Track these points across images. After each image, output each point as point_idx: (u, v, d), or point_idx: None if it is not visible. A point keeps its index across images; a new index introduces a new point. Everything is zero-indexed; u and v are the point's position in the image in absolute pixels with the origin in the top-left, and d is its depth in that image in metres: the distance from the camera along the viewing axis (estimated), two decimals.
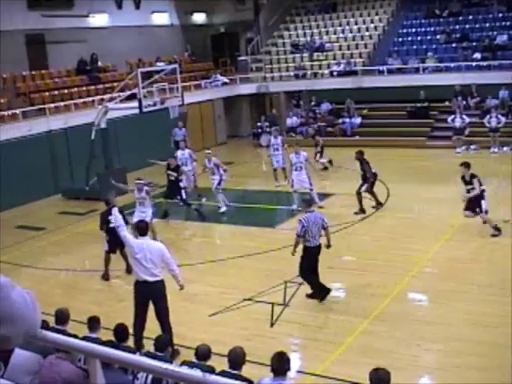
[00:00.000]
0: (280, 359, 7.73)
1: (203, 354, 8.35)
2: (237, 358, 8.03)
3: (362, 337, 12.01)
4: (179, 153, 23.09)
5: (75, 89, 30.44)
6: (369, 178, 20.01)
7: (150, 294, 11.44)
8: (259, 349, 10.84)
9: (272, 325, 12.42)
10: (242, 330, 12.59)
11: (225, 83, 37.11)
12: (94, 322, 9.30)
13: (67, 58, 31.38)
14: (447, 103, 32.06)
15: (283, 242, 17.73)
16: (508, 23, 34.55)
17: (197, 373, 3.23)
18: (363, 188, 19.90)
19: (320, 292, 13.77)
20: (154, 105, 24.72)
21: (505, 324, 11.81)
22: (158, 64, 32.57)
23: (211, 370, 7.75)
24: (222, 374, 7.59)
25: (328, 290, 13.78)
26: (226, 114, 37.67)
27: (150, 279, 11.28)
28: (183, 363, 8.30)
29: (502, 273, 14.30)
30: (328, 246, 14.03)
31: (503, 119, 28.96)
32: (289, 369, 7.81)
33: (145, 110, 24.10)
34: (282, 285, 14.45)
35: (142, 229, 11.91)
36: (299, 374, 10.59)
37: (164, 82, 26.68)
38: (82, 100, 29.46)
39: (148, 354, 8.46)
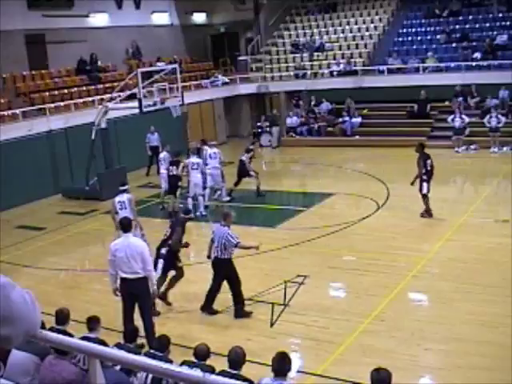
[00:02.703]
0: (281, 359, 7.73)
1: (202, 353, 8.35)
2: (237, 358, 8.03)
3: (362, 337, 12.01)
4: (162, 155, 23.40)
5: (75, 89, 30.39)
6: (418, 174, 19.42)
7: (131, 291, 11.55)
8: (259, 349, 10.84)
9: (272, 325, 12.43)
10: (242, 329, 12.60)
11: (225, 83, 37.12)
12: (93, 322, 9.27)
13: (67, 58, 31.36)
14: (447, 103, 32.11)
15: (283, 241, 17.76)
16: (508, 23, 34.63)
17: (197, 372, 3.23)
18: (424, 189, 19.36)
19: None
20: (154, 105, 24.71)
21: (506, 324, 11.84)
22: (158, 64, 32.55)
23: (211, 370, 7.74)
24: (222, 373, 7.59)
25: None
26: (226, 114, 37.69)
27: (131, 277, 11.41)
28: (183, 363, 8.28)
29: (502, 272, 14.31)
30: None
31: (503, 119, 28.99)
32: (289, 369, 7.82)
33: (145, 110, 24.11)
34: (282, 285, 14.45)
35: (125, 225, 11.97)
36: (299, 373, 10.59)
37: (164, 81, 26.69)
38: (81, 100, 29.39)
39: (148, 354, 8.45)
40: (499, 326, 12.00)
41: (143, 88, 24.35)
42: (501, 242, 16.54)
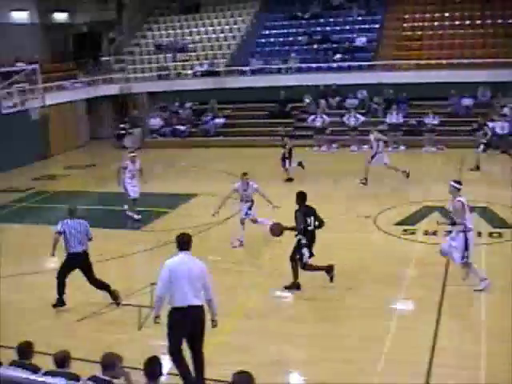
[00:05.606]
0: (152, 363, 7.73)
1: (61, 360, 8.16)
2: (109, 363, 7.88)
3: (232, 336, 12.11)
4: None
5: None
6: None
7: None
8: (129, 353, 10.75)
9: (140, 328, 12.33)
10: (111, 334, 12.45)
11: (87, 84, 36.47)
12: None
13: None
14: (307, 101, 32.84)
15: (147, 243, 17.65)
16: (367, 26, 35.74)
17: (62, 381, 3.19)
18: (305, 257, 14.28)
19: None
20: (14, 106, 24.09)
21: (359, 316, 12.33)
22: (18, 64, 31.62)
23: (75, 377, 7.61)
24: (93, 379, 7.51)
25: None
26: (89, 115, 37.09)
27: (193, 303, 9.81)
28: (46, 373, 8.05)
29: (367, 268, 14.75)
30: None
31: (362, 118, 29.84)
32: (161, 373, 7.81)
33: (4, 111, 23.48)
34: (149, 287, 14.34)
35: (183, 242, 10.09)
36: (169, 376, 10.55)
37: (24, 82, 26.00)
38: None
39: (14, 364, 8.23)
40: (358, 318, 12.49)
41: (2, 89, 23.69)
42: (363, 237, 17.06)
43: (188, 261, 9.85)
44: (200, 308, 9.81)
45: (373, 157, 23.53)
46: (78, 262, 13.65)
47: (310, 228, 13.93)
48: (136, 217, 20.66)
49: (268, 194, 17.65)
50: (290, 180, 24.50)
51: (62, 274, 13.71)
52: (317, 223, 14.12)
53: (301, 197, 14.20)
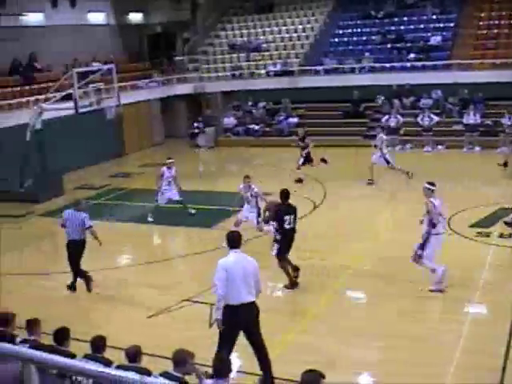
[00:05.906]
0: (221, 361, 7.73)
1: (133, 354, 8.27)
2: (181, 359, 7.97)
3: (301, 335, 12.09)
4: None
5: (9, 89, 29.74)
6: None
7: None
8: (199, 350, 10.82)
9: (211, 325, 12.38)
10: (181, 331, 12.55)
11: (161, 83, 36.87)
12: (31, 324, 9.19)
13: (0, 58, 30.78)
14: (379, 102, 32.60)
15: (217, 241, 17.73)
16: (441, 25, 35.28)
17: (134, 375, 3.22)
18: (274, 251, 14.94)
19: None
20: (90, 105, 24.48)
21: (437, 319, 12.10)
22: (94, 64, 32.08)
23: (147, 372, 7.69)
24: (165, 375, 7.57)
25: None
26: (163, 115, 37.49)
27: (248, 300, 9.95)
28: (118, 367, 8.14)
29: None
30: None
31: (436, 118, 29.46)
32: (230, 370, 7.84)
33: (81, 110, 23.86)
34: None
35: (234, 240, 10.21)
36: (240, 374, 10.59)
37: (100, 82, 26.37)
38: (15, 100, 28.73)
39: (87, 357, 8.36)
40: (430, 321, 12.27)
41: (79, 88, 24.08)
42: None
43: (242, 259, 10.01)
44: (253, 304, 9.94)
45: (387, 160, 23.75)
46: (74, 249, 14.83)
47: (287, 226, 14.35)
48: (150, 218, 20.88)
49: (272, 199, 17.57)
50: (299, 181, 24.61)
51: (75, 264, 14.90)
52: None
53: (284, 195, 14.68)
